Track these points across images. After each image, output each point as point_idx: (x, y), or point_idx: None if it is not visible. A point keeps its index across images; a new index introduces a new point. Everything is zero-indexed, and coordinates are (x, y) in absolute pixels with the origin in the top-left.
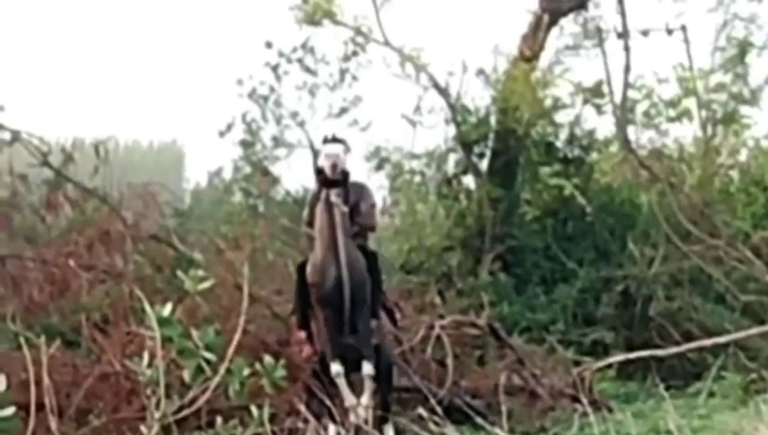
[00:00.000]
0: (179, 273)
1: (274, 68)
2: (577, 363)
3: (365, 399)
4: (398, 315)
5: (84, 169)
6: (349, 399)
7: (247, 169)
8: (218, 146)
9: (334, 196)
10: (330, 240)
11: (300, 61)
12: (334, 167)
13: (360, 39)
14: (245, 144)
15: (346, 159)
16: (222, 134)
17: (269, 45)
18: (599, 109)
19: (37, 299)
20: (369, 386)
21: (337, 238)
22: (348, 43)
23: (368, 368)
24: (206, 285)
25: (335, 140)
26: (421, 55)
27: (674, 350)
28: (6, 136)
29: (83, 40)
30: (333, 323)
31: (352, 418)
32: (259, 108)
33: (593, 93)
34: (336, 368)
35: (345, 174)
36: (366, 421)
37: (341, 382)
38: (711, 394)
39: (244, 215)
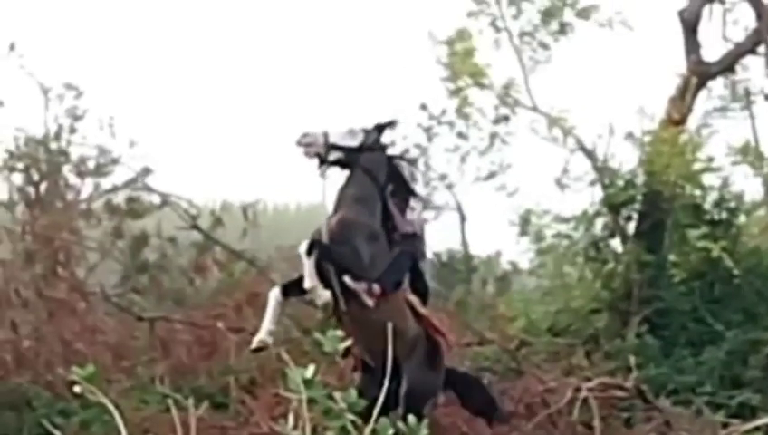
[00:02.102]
0: (317, 334)
1: (427, 130)
2: (725, 426)
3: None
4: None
5: (233, 232)
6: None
7: None
8: None
9: None
10: None
11: (451, 124)
12: None
13: (509, 101)
14: None
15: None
16: None
17: (424, 107)
18: (754, 166)
19: (186, 361)
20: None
21: None
22: (498, 107)
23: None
24: (345, 345)
25: None
26: (568, 118)
27: None
28: (156, 199)
29: (232, 103)
30: None
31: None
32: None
33: (743, 154)
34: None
35: None
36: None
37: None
38: None
39: None
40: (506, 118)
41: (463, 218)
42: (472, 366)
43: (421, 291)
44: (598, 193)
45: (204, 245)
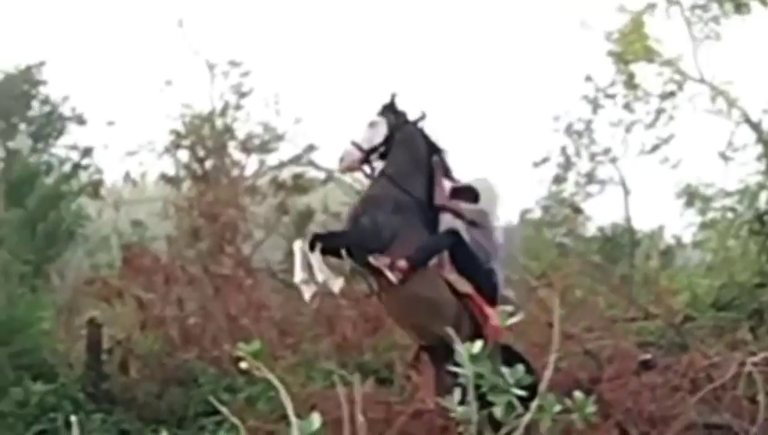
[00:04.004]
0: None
1: (592, 102)
2: None
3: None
4: None
5: None
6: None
7: (558, 206)
8: (529, 183)
9: None
10: None
11: (618, 96)
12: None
13: (677, 77)
14: (558, 180)
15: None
16: (536, 165)
17: (588, 79)
18: None
19: (351, 337)
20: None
21: None
22: (668, 82)
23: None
24: (514, 320)
25: None
26: (732, 90)
27: None
28: (321, 175)
29: (393, 79)
30: None
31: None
32: (573, 143)
33: None
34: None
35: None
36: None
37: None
38: None
39: (555, 252)
40: (673, 94)
41: (626, 192)
42: (637, 341)
43: (476, 278)
44: (763, 166)
45: None
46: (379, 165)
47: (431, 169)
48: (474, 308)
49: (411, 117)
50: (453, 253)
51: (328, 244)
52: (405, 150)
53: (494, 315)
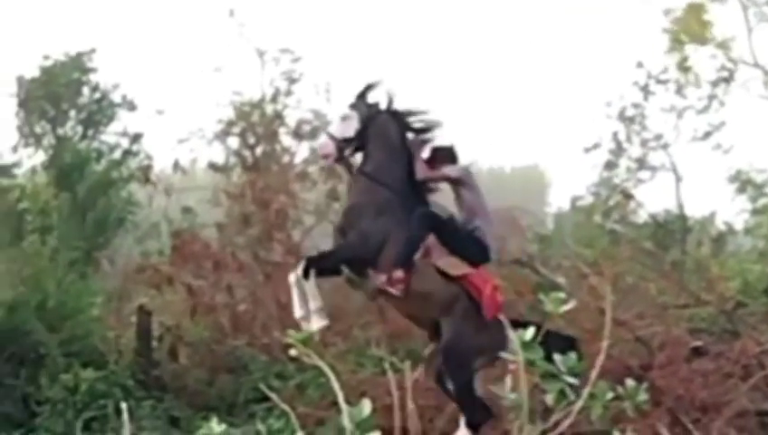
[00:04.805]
0: (541, 296)
1: (644, 88)
2: None
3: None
4: None
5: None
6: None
7: (609, 193)
8: (580, 169)
9: None
10: None
11: (670, 82)
12: None
13: (729, 65)
14: (610, 165)
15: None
16: (588, 150)
17: (640, 65)
18: None
19: (401, 324)
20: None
21: None
22: (720, 69)
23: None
24: (567, 307)
25: None
26: None
27: None
28: None
29: (447, 65)
30: None
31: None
32: (625, 129)
33: None
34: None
35: None
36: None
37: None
38: None
39: (606, 238)
40: (726, 80)
41: (678, 178)
42: (688, 327)
43: (464, 250)
44: None
45: None
46: (358, 158)
47: (409, 151)
48: (469, 287)
49: (383, 104)
50: (434, 232)
51: (321, 266)
52: (379, 143)
53: (490, 288)
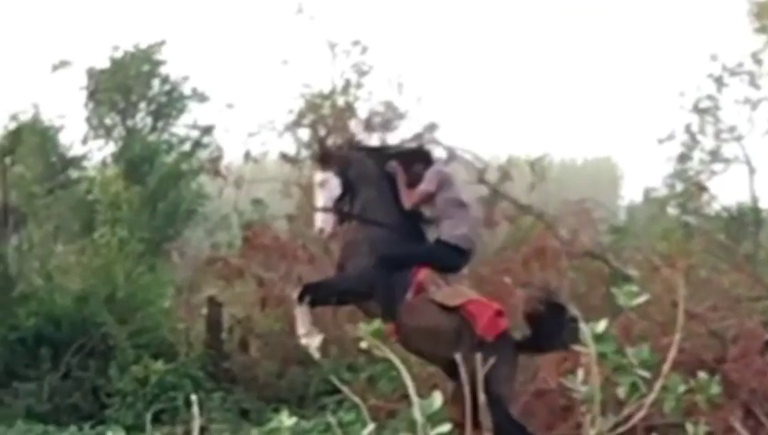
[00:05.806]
0: (614, 289)
1: (718, 80)
2: None
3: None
4: None
5: (519, 187)
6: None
7: (682, 185)
8: (654, 161)
9: None
10: None
11: (746, 74)
12: None
13: None
14: (683, 157)
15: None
16: (661, 142)
17: (714, 58)
18: None
19: None
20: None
21: None
22: None
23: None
24: (640, 300)
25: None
26: None
27: None
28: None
29: (515, 59)
30: None
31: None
32: (699, 121)
33: None
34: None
35: None
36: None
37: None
38: None
39: (679, 231)
40: None
41: (752, 171)
42: (762, 320)
43: (439, 262)
44: None
45: (491, 199)
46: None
47: (390, 179)
48: (467, 316)
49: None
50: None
51: (317, 295)
52: (362, 181)
53: (491, 313)
